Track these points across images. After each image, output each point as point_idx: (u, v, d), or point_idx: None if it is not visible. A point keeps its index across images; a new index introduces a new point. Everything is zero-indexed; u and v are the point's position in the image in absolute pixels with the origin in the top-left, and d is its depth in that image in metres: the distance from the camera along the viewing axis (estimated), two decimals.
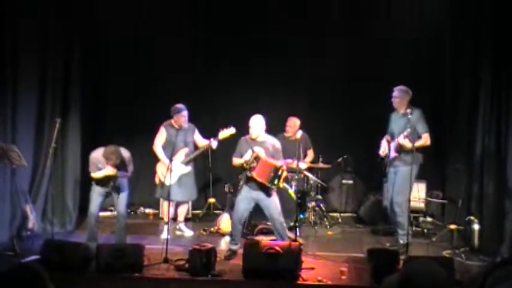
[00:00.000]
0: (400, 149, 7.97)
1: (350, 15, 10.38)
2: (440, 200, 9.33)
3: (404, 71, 9.85)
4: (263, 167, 7.58)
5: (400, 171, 8.10)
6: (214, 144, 8.75)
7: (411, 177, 7.71)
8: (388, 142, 8.14)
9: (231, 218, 8.96)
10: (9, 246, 7.77)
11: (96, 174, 7.85)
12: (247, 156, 7.70)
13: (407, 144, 7.80)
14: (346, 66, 10.32)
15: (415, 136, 7.72)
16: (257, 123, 7.87)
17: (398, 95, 8.12)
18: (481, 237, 8.10)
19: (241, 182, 8.09)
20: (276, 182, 7.60)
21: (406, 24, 10.15)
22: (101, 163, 7.75)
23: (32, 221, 8.33)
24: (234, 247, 7.79)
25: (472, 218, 8.32)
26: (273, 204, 7.76)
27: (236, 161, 7.91)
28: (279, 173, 7.57)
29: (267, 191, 7.70)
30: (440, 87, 9.75)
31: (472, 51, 8.79)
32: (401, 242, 8.03)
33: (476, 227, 8.14)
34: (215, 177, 10.30)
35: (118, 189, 8.03)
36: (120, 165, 7.81)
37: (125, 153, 7.89)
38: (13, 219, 8.26)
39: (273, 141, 7.94)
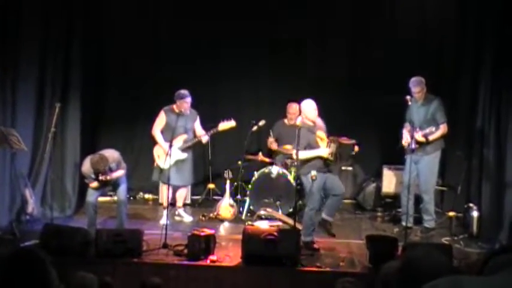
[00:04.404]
0: (419, 142, 8.10)
1: (354, 13, 10.34)
2: (439, 187, 9.33)
3: (405, 60, 9.81)
4: (346, 151, 7.66)
5: (424, 160, 8.23)
6: (204, 139, 8.83)
7: (436, 164, 8.28)
8: (409, 132, 8.14)
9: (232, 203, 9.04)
10: (9, 230, 7.81)
11: (94, 185, 7.91)
12: (326, 149, 7.54)
13: (424, 141, 8.08)
14: (347, 59, 10.31)
15: (434, 125, 8.07)
16: (315, 105, 7.70)
17: (420, 89, 8.15)
18: (479, 224, 8.13)
19: (314, 172, 7.49)
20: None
21: (409, 21, 10.08)
22: (93, 173, 7.81)
23: (32, 206, 8.35)
24: (309, 238, 7.61)
25: (471, 205, 8.35)
26: (337, 177, 7.92)
27: (312, 153, 7.57)
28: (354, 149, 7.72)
29: (330, 169, 7.74)
30: (441, 76, 9.72)
31: (475, 44, 8.82)
32: (427, 226, 8.35)
33: (475, 214, 8.17)
34: (214, 163, 10.29)
35: (117, 185, 8.12)
36: (112, 167, 7.87)
37: (112, 154, 7.92)
38: (12, 203, 8.28)
39: (320, 120, 7.89)
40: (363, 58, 10.11)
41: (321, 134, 7.63)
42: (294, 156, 7.67)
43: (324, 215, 7.88)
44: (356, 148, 7.67)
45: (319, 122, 7.81)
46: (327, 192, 7.93)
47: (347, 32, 10.30)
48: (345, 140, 7.63)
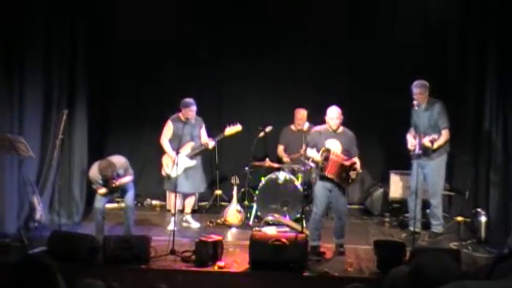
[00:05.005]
0: (425, 147, 8.04)
1: (356, 14, 10.36)
2: (447, 192, 9.30)
3: (409, 63, 9.79)
4: (334, 166, 7.38)
5: (430, 165, 8.19)
6: (211, 144, 8.82)
7: (442, 167, 8.24)
8: (414, 137, 8.14)
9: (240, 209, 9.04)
10: (17, 238, 7.80)
11: (102, 191, 7.94)
12: (317, 155, 7.48)
13: (431, 146, 8.00)
14: (350, 61, 10.26)
15: (437, 132, 8.02)
16: (336, 114, 7.60)
17: (421, 91, 8.10)
18: (488, 229, 8.09)
19: (314, 175, 7.85)
20: (349, 180, 7.54)
21: (412, 23, 10.05)
22: (101, 179, 7.83)
23: (39, 212, 8.34)
24: (315, 243, 7.58)
25: (478, 209, 8.32)
26: (343, 198, 7.69)
27: (310, 152, 7.62)
28: (350, 172, 7.46)
29: (340, 185, 7.62)
30: (445, 79, 9.69)
31: (479, 44, 8.76)
32: (435, 231, 8.32)
33: (483, 218, 8.13)
34: (222, 169, 10.29)
35: (124, 191, 8.14)
36: (120, 173, 7.90)
37: (120, 160, 7.94)
38: (20, 210, 8.29)
39: (350, 134, 7.70)
40: (367, 60, 10.07)
41: (331, 142, 7.56)
42: (302, 152, 7.70)
43: (334, 239, 7.84)
44: (353, 172, 7.45)
45: (345, 133, 7.67)
46: (331, 205, 7.92)
47: (350, 35, 10.28)
48: (338, 158, 7.43)
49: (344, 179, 7.46)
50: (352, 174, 7.43)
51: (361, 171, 7.76)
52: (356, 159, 7.52)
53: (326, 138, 7.57)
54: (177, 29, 10.45)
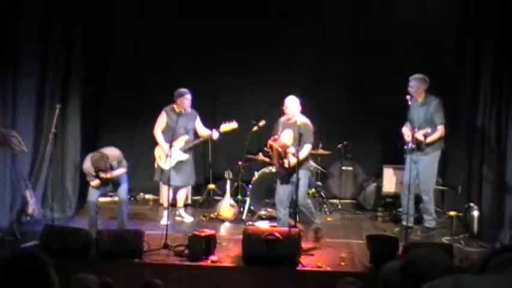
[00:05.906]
0: (417, 141, 8.05)
1: (352, 13, 10.33)
2: (440, 187, 9.33)
3: (405, 60, 9.81)
4: (274, 154, 7.66)
5: (423, 160, 8.21)
6: (215, 135, 8.77)
7: (435, 164, 8.30)
8: (409, 130, 8.15)
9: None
10: (10, 232, 7.80)
11: (94, 183, 7.91)
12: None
13: (424, 140, 8.03)
14: (347, 59, 10.22)
15: (432, 127, 8.05)
16: (292, 103, 7.85)
17: (415, 83, 8.15)
18: (480, 224, 8.13)
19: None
20: (285, 166, 7.64)
21: (408, 22, 10.05)
22: (94, 171, 7.83)
23: (32, 207, 8.34)
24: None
25: (471, 204, 8.34)
26: (281, 189, 7.91)
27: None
28: (284, 158, 7.55)
29: (293, 174, 7.72)
30: (442, 76, 9.69)
31: (475, 43, 8.79)
32: (428, 226, 8.38)
33: (475, 213, 8.16)
34: (215, 163, 10.28)
35: (118, 184, 8.11)
36: (113, 165, 7.88)
37: (113, 152, 7.92)
38: (13, 204, 8.27)
39: (305, 122, 7.86)
40: (362, 58, 10.07)
41: (285, 132, 7.82)
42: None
43: None
44: (285, 160, 7.70)
45: (300, 122, 7.86)
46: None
47: (347, 32, 10.29)
48: (276, 145, 7.70)
49: (280, 164, 7.68)
50: (285, 162, 7.59)
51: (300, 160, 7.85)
52: (307, 146, 7.77)
53: (284, 128, 7.81)
54: (172, 25, 10.38)
